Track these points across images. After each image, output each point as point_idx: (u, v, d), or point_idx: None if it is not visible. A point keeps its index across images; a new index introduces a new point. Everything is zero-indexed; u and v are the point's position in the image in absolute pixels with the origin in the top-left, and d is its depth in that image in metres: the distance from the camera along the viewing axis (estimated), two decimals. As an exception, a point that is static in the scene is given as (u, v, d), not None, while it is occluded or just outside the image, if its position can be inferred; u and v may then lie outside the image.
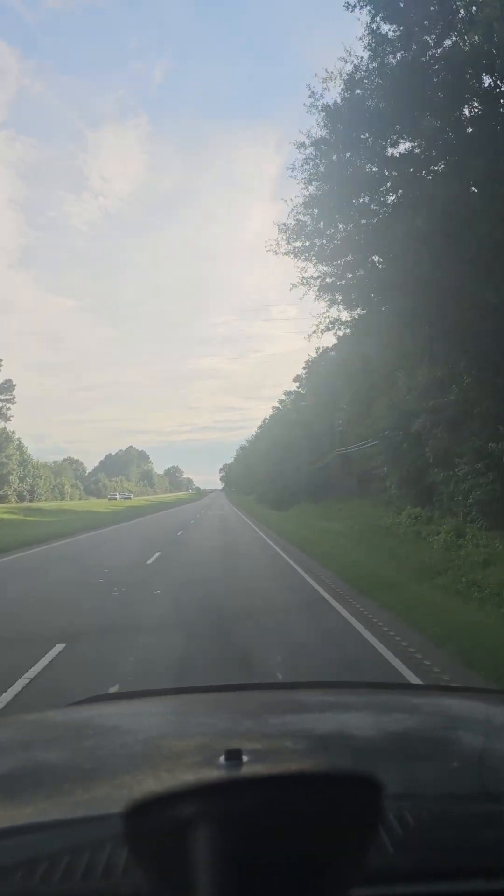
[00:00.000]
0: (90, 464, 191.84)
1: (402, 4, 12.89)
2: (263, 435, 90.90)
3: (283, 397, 74.55)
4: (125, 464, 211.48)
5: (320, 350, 65.01)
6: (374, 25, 12.95)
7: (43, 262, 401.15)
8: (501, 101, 13.25)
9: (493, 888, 0.83)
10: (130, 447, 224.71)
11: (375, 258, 15.29)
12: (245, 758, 0.96)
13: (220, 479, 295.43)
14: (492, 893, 0.83)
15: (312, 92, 13.99)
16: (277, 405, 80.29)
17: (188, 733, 1.50)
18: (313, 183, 14.70)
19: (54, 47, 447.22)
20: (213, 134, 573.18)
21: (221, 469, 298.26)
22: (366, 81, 13.55)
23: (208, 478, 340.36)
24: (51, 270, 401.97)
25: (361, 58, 13.51)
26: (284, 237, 15.16)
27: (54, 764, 1.32)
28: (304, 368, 66.88)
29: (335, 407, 55.11)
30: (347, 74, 13.70)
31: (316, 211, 14.90)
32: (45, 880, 0.80)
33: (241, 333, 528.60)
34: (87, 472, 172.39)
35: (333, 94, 14.06)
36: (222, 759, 0.97)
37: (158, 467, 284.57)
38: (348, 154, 14.27)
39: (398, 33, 12.95)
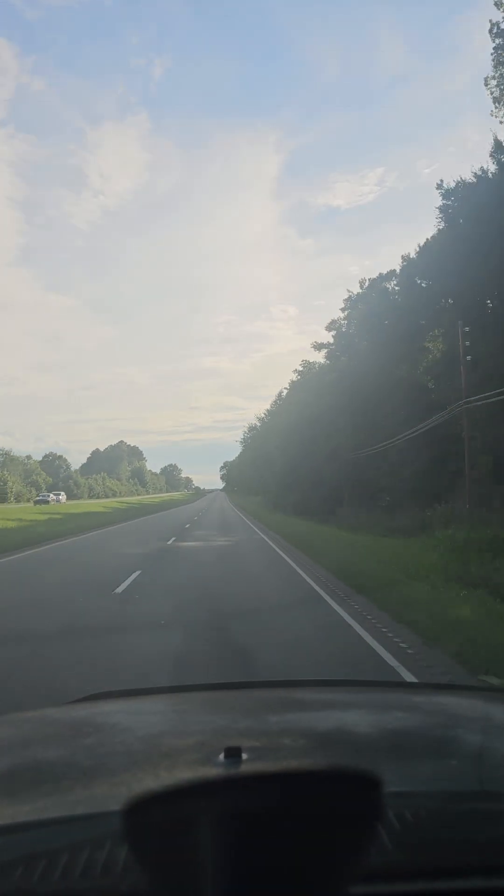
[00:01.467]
0: (81, 463, 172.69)
1: None
2: (281, 411, 65.89)
3: (314, 350, 51.87)
4: (114, 460, 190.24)
5: (366, 283, 42.94)
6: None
7: (42, 261, 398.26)
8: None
9: (491, 886, 0.82)
10: (121, 442, 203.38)
11: None
12: (244, 755, 0.97)
13: (221, 478, 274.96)
14: (490, 891, 0.83)
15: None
16: (299, 368, 57.95)
17: (187, 731, 1.50)
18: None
19: (54, 44, 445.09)
20: (212, 132, 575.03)
21: (222, 467, 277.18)
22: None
23: (208, 477, 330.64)
24: (50, 269, 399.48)
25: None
26: None
27: (53, 761, 1.31)
28: (342, 309, 45.06)
29: (412, 344, 32.65)
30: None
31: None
32: (44, 878, 0.79)
33: (242, 333, 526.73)
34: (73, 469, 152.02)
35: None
36: (222, 756, 0.98)
37: (157, 467, 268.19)
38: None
39: None
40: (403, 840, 0.85)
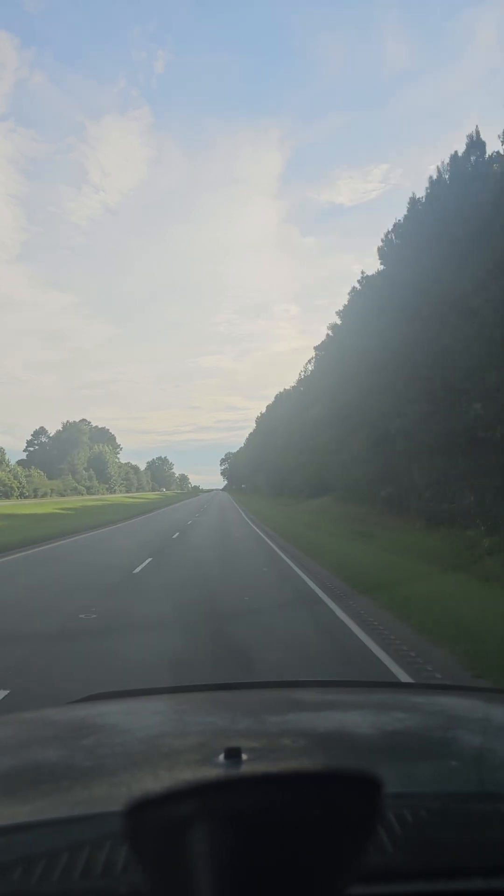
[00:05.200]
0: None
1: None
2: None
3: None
4: (69, 445, 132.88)
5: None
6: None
7: (43, 258, 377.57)
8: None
9: (491, 887, 0.82)
10: (83, 420, 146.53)
11: None
12: (244, 756, 0.97)
13: (222, 474, 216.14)
14: (490, 892, 0.83)
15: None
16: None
17: (187, 732, 1.48)
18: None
19: (54, 35, 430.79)
20: (214, 128, 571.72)
21: (223, 460, 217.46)
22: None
23: (209, 478, 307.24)
24: (51, 266, 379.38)
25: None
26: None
27: (53, 762, 1.30)
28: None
29: None
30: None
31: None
32: (43, 878, 0.79)
33: (243, 332, 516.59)
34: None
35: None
36: (221, 757, 0.97)
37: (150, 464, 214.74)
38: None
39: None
40: (403, 841, 0.85)
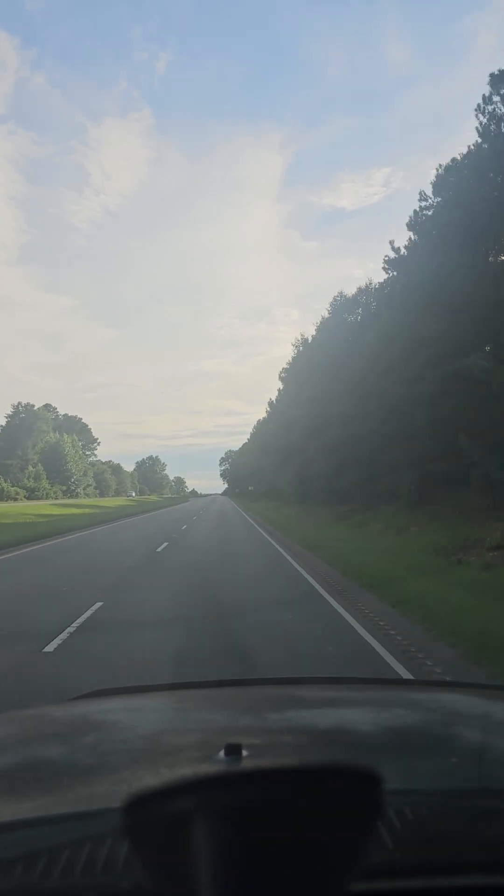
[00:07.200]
0: None
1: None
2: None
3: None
4: (24, 435, 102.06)
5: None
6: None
7: (43, 261, 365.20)
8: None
9: (492, 883, 0.82)
10: (47, 405, 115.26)
11: None
12: (245, 752, 0.97)
13: (222, 476, 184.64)
14: (491, 888, 0.83)
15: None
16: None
17: (188, 728, 1.48)
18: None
19: (54, 36, 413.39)
20: (216, 131, 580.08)
21: (223, 460, 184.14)
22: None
23: (210, 482, 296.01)
24: (51, 269, 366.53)
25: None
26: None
27: (54, 759, 1.31)
28: None
29: None
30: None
31: None
32: (45, 874, 0.79)
33: (244, 336, 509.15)
34: None
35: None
36: (222, 753, 0.97)
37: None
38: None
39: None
40: (404, 837, 0.85)
